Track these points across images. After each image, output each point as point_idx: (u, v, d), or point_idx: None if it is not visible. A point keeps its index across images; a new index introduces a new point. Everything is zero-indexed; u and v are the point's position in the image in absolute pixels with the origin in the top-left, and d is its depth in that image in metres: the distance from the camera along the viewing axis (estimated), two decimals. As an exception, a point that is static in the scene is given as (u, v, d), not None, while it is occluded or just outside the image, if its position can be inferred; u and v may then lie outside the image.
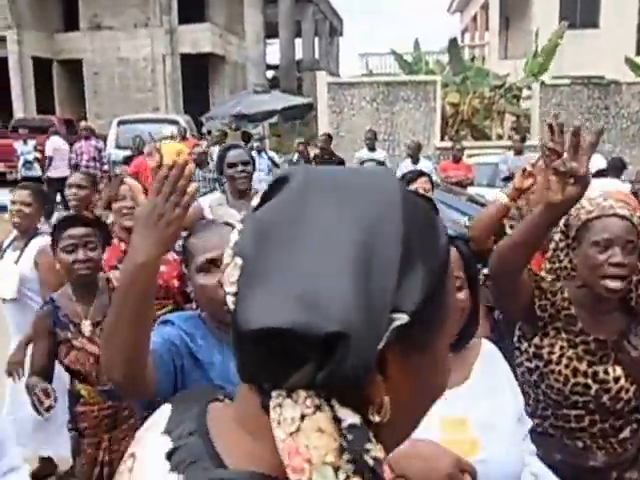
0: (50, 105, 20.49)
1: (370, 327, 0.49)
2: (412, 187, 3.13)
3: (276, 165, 10.38)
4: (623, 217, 1.82)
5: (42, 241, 3.51)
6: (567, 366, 1.89)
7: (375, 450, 0.49)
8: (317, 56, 24.63)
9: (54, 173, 11.84)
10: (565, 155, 1.56)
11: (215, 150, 9.55)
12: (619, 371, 1.89)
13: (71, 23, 21.38)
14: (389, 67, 20.58)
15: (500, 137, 15.00)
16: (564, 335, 1.93)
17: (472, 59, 19.84)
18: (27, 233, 3.57)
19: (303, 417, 0.48)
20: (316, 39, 23.93)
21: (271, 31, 21.37)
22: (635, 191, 5.96)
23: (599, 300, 1.88)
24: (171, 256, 3.01)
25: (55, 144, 12.17)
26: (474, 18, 27.22)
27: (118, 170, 10.95)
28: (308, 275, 0.50)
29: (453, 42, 16.66)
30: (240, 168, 3.53)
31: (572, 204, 1.65)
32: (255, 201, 0.58)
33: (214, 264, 1.61)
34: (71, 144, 12.18)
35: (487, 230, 2.77)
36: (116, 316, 1.31)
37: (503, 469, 1.37)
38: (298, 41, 22.90)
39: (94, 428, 2.61)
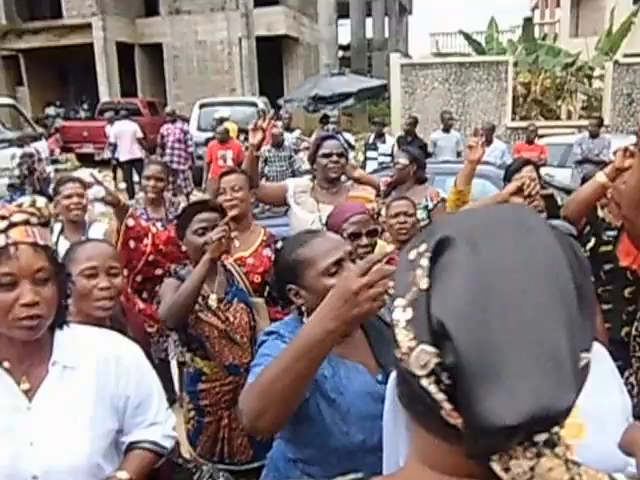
0: (133, 88, 21.48)
1: (580, 383, 0.54)
2: (517, 177, 3.22)
3: (352, 147, 10.40)
4: None
5: (102, 227, 3.66)
6: None
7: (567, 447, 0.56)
8: (387, 35, 24.85)
9: (122, 157, 12.45)
10: None
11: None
12: None
13: (151, 8, 22.33)
14: (459, 47, 20.68)
15: (570, 117, 15.05)
16: None
17: (544, 37, 19.76)
18: (78, 223, 3.60)
19: (532, 468, 0.53)
20: (386, 19, 24.15)
21: (342, 11, 21.76)
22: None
23: None
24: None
25: (117, 130, 12.54)
26: (545, -6, 26.79)
27: (200, 152, 11.67)
28: (528, 358, 0.52)
29: (528, 21, 16.70)
30: (334, 159, 3.48)
31: None
32: (424, 282, 0.57)
33: (339, 265, 1.66)
34: (152, 125, 12.63)
35: (582, 210, 2.89)
36: (284, 371, 1.28)
37: (605, 459, 1.28)
38: (368, 21, 23.21)
39: (215, 405, 2.67)
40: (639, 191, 2.46)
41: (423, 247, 0.60)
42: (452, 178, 5.59)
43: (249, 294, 2.84)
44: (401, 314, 0.58)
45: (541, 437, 0.53)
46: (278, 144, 9.23)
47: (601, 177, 2.75)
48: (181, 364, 3.44)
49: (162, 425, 1.65)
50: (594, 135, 9.55)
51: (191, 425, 2.73)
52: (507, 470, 0.53)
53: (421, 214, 3.76)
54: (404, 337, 0.57)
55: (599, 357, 1.55)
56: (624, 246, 2.79)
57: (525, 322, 0.53)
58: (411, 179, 4.13)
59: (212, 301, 2.65)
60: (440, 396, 0.55)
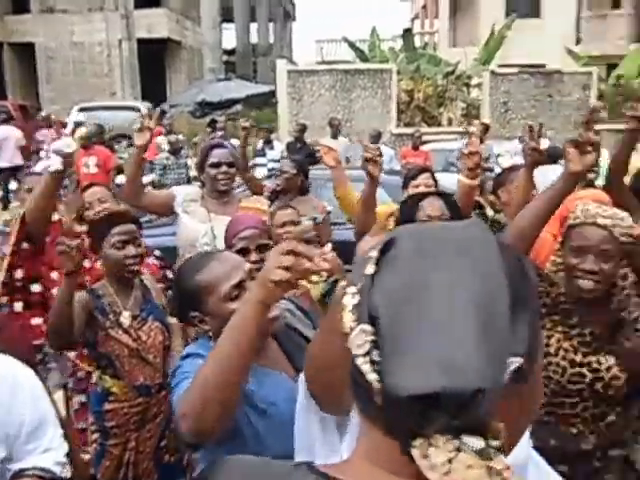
0: (0, 90, 20.14)
1: (497, 376, 0.56)
2: (414, 183, 3.33)
3: None
4: (603, 226, 1.91)
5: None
6: (564, 358, 1.98)
7: (503, 464, 0.56)
8: (271, 41, 24.80)
9: (3, 163, 11.44)
10: (582, 130, 1.76)
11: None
12: (611, 360, 1.97)
13: (21, 5, 20.98)
14: (343, 54, 20.99)
15: (450, 123, 15.64)
16: (560, 328, 2.01)
17: (424, 47, 20.49)
18: None
19: (450, 460, 0.54)
20: (270, 24, 24.09)
21: (226, 15, 21.47)
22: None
23: (585, 297, 2.00)
24: (150, 261, 3.05)
25: (1, 134, 11.56)
26: (424, 6, 27.85)
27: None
28: (442, 340, 0.56)
29: (407, 31, 17.28)
30: (224, 169, 3.35)
31: (587, 171, 1.86)
32: (370, 269, 0.62)
33: (241, 287, 1.63)
34: (23, 130, 11.74)
35: (465, 210, 2.97)
36: (221, 361, 1.32)
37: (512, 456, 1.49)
38: (253, 26, 23.04)
39: (122, 426, 2.55)
40: (524, 204, 2.54)
41: (379, 245, 0.64)
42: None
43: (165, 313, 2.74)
44: (350, 300, 0.62)
45: (456, 423, 0.55)
46: (175, 151, 8.86)
47: (463, 179, 2.93)
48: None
49: (56, 451, 1.59)
50: (480, 141, 9.81)
51: (93, 449, 2.60)
52: (425, 457, 0.55)
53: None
54: (348, 319, 0.61)
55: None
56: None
57: (443, 313, 0.57)
58: (296, 189, 4.09)
59: (124, 318, 2.55)
60: (372, 376, 0.57)
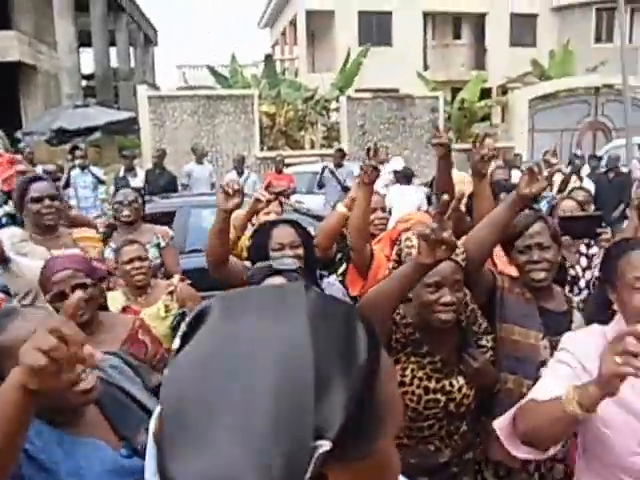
0: None
1: (294, 466, 0.49)
2: (266, 210, 3.38)
3: (101, 182, 9.71)
4: (450, 259, 1.89)
5: None
6: (419, 386, 2.06)
7: None
8: (133, 65, 24.39)
9: None
10: (434, 225, 1.66)
11: None
12: (462, 381, 2.11)
13: None
14: (206, 79, 21.10)
15: (313, 146, 16.23)
16: (413, 358, 2.08)
17: (283, 72, 21.12)
18: None
19: None
20: (131, 49, 23.72)
21: (84, 40, 20.89)
22: (429, 195, 7.10)
23: (433, 326, 2.07)
24: None
25: None
26: (283, 33, 28.63)
27: None
28: (213, 454, 0.49)
29: (268, 57, 17.74)
30: (47, 203, 3.16)
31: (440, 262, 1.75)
32: (175, 343, 0.58)
33: None
34: None
35: (331, 238, 3.10)
36: None
37: None
38: (113, 50, 22.57)
39: None
40: (363, 221, 2.77)
41: (191, 316, 0.61)
42: (209, 210, 5.76)
43: None
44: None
45: None
46: (55, 181, 8.49)
47: (341, 207, 3.03)
48: None
49: None
50: (338, 165, 10.18)
51: None
52: None
53: (153, 253, 3.74)
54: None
55: None
56: (352, 276, 3.05)
57: (227, 402, 0.52)
58: (139, 219, 4.00)
59: None
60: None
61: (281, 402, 0.50)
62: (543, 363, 2.07)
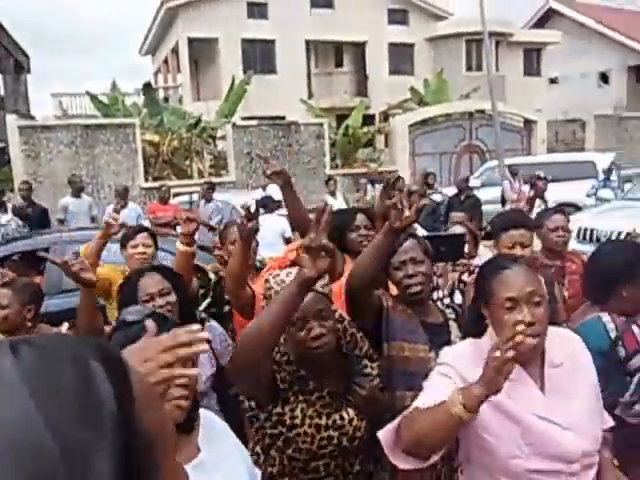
0: None
1: None
2: (133, 244, 3.36)
3: None
4: (311, 289, 1.88)
5: None
6: (310, 425, 2.00)
7: None
8: (2, 94, 22.99)
9: None
10: (312, 234, 1.66)
11: None
12: (352, 413, 2.06)
13: None
14: (85, 108, 20.32)
15: (201, 175, 15.95)
16: (301, 397, 2.02)
17: (166, 100, 20.71)
18: None
19: None
20: (0, 76, 22.36)
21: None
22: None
23: (314, 360, 2.03)
24: None
25: None
26: (165, 60, 28.17)
27: None
28: None
29: (147, 85, 17.33)
30: None
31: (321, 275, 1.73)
32: None
33: None
34: None
35: (186, 277, 2.93)
36: None
37: None
38: (-21, 79, 21.15)
39: None
40: (239, 267, 2.73)
41: None
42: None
43: None
44: None
45: None
46: None
47: (180, 245, 2.94)
48: None
49: None
50: (208, 200, 9.82)
51: None
52: None
53: None
54: None
55: (219, 430, 1.64)
56: (237, 317, 3.02)
57: None
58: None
59: None
60: None
61: None
62: None
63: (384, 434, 1.77)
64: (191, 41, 23.99)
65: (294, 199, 3.08)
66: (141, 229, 3.60)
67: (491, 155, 17.60)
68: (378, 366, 2.20)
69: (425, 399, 1.72)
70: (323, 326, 1.99)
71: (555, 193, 10.25)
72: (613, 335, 2.36)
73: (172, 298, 2.51)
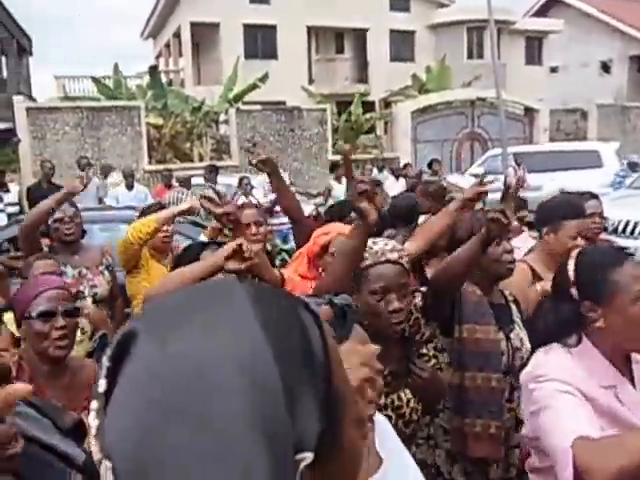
0: None
1: None
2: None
3: None
4: (394, 262, 1.94)
5: None
6: None
7: None
8: (5, 75, 23.00)
9: None
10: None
11: None
12: (409, 394, 1.97)
13: None
14: (88, 91, 20.32)
15: (202, 159, 16.03)
16: None
17: (169, 84, 20.72)
18: None
19: None
20: (3, 58, 22.36)
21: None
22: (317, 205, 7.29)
23: (381, 336, 1.88)
24: None
25: None
26: (167, 45, 28.11)
27: None
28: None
29: (154, 68, 17.39)
30: None
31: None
32: (102, 385, 0.48)
33: None
34: None
35: None
36: None
37: None
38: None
39: None
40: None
41: (111, 348, 0.50)
42: (98, 226, 5.50)
43: None
44: (93, 420, 0.49)
45: None
46: None
47: (202, 237, 3.15)
48: None
49: None
50: (211, 180, 9.81)
51: None
52: None
53: (107, 277, 3.70)
54: (95, 448, 0.48)
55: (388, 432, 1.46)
56: None
57: (205, 436, 0.43)
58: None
59: None
60: None
61: (256, 428, 0.44)
62: (503, 354, 2.31)
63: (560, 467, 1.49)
64: (193, 25, 23.96)
65: (283, 186, 3.05)
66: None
67: (493, 143, 17.71)
68: (450, 344, 2.28)
69: (578, 426, 1.50)
70: (402, 301, 1.93)
71: (559, 182, 10.30)
72: None
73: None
